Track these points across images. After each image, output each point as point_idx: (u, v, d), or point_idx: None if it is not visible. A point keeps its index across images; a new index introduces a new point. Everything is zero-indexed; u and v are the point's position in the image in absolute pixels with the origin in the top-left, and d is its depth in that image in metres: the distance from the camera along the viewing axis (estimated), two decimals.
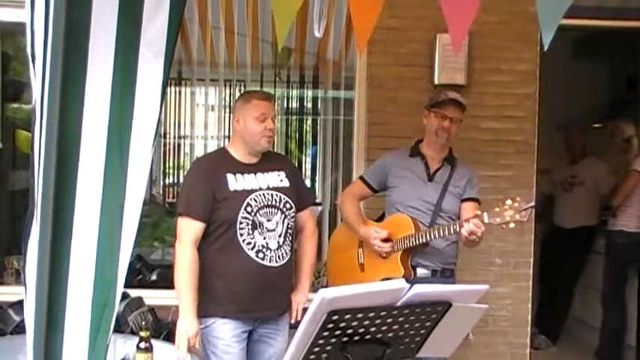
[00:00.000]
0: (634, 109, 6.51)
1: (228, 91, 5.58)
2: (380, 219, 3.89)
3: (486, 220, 3.26)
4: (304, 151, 5.94)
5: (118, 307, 1.72)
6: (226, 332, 3.18)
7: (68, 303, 1.65)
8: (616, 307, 5.64)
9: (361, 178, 3.91)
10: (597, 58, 7.11)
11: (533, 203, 3.24)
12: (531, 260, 4.76)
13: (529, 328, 4.84)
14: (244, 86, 5.47)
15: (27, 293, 1.68)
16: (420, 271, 3.59)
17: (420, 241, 3.47)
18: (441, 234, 3.43)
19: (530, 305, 4.80)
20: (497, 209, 3.25)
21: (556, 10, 1.71)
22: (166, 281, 4.70)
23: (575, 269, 6.36)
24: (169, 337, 3.43)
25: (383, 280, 3.45)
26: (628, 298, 5.63)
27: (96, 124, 1.66)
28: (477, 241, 3.44)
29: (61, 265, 1.63)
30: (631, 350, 5.62)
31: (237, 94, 5.49)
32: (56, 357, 1.63)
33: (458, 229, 3.36)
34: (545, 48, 1.85)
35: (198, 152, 5.62)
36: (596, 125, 7.05)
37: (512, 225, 3.23)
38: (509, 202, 3.23)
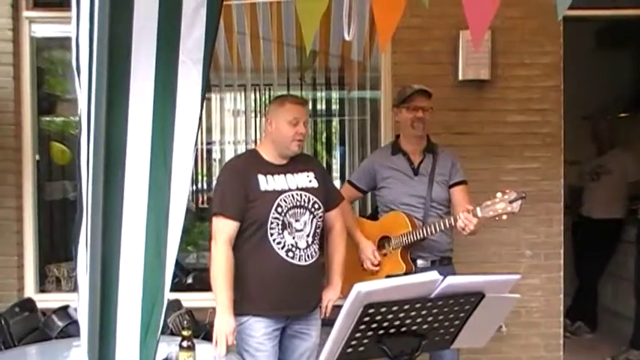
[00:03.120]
0: None
1: (255, 96, 5.65)
2: (373, 214, 4.00)
3: (479, 215, 3.35)
4: (332, 153, 6.00)
5: (165, 308, 1.79)
6: (258, 330, 3.26)
7: (119, 305, 1.73)
8: None
9: (350, 182, 4.02)
10: (621, 47, 7.08)
11: (523, 194, 3.29)
12: (561, 251, 4.77)
13: (562, 319, 4.86)
14: (271, 90, 5.54)
15: (80, 296, 1.76)
16: (420, 263, 3.72)
17: (418, 238, 3.60)
18: (437, 229, 3.53)
19: (562, 296, 4.81)
20: (488, 202, 3.33)
21: None
22: (202, 284, 4.79)
23: (601, 260, 6.37)
24: (207, 338, 3.50)
25: (386, 277, 3.56)
26: None
27: (140, 131, 1.74)
28: (474, 233, 3.50)
29: (111, 269, 1.71)
30: None
31: (265, 99, 5.60)
32: (109, 356, 1.71)
33: (453, 224, 3.46)
34: (559, 18, 1.91)
35: (228, 158, 5.69)
36: (622, 115, 7.02)
37: (504, 217, 3.31)
38: (499, 194, 3.31)
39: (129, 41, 1.73)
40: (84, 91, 1.74)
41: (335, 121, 5.83)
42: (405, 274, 3.57)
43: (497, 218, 3.32)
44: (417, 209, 3.71)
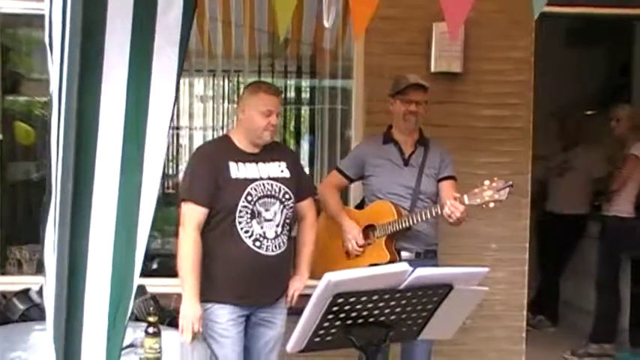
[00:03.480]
0: (627, 96, 6.58)
1: (225, 82, 5.59)
2: (360, 205, 3.96)
3: (467, 202, 3.35)
4: (301, 141, 5.96)
5: (134, 294, 1.76)
6: (223, 317, 3.24)
7: (87, 290, 1.69)
8: (610, 291, 5.71)
9: (337, 169, 3.99)
10: (591, 45, 7.16)
11: (510, 183, 3.32)
12: (527, 245, 4.82)
13: (525, 312, 4.91)
14: (240, 77, 5.48)
15: (46, 280, 1.72)
16: (404, 255, 3.69)
17: (403, 226, 3.58)
18: (423, 218, 3.52)
19: (525, 290, 4.86)
20: (476, 190, 3.34)
21: None
22: (167, 269, 4.74)
23: (564, 254, 6.47)
24: (172, 324, 3.47)
25: (369, 266, 3.55)
26: (621, 283, 5.70)
27: (113, 112, 1.69)
28: (461, 221, 3.50)
29: (79, 252, 1.66)
30: (624, 333, 5.72)
31: (234, 85, 5.54)
32: (75, 341, 1.66)
33: (440, 212, 3.44)
34: (535, 17, 1.91)
35: (196, 143, 5.64)
36: (589, 112, 7.11)
37: (492, 205, 3.32)
38: (487, 182, 3.32)
39: (103, 19, 1.68)
40: (56, 69, 1.69)
41: (305, 110, 5.78)
42: (389, 263, 3.55)
43: (484, 206, 3.32)
44: (404, 199, 3.69)
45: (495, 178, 3.31)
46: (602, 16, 5.10)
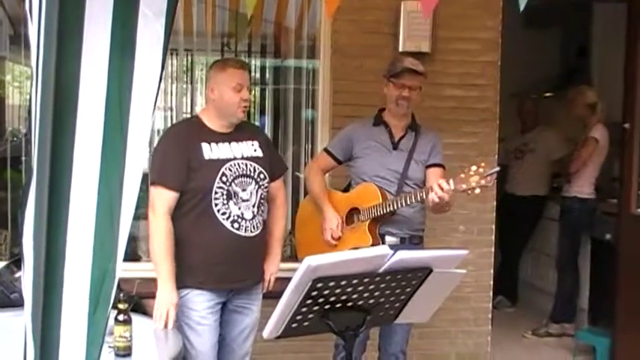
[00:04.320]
0: (584, 79, 6.63)
1: (187, 61, 5.43)
2: (346, 189, 3.90)
3: (452, 187, 3.28)
4: (265, 122, 5.84)
5: (116, 279, 1.66)
6: (200, 304, 3.16)
7: (66, 274, 1.58)
8: (570, 272, 5.80)
9: (326, 150, 3.91)
10: (548, 27, 7.20)
11: (497, 168, 3.28)
12: (493, 227, 4.83)
13: (491, 293, 4.93)
14: (193, 56, 5.34)
15: (24, 264, 1.61)
16: (389, 240, 3.62)
17: (388, 210, 3.50)
18: (408, 202, 3.45)
19: (492, 271, 4.88)
20: (462, 175, 3.27)
21: None
22: (129, 253, 4.59)
23: (524, 235, 6.53)
24: (135, 310, 3.37)
25: (352, 249, 3.49)
26: (581, 263, 5.78)
27: (94, 87, 1.57)
28: (446, 208, 3.47)
29: (57, 235, 1.56)
30: (583, 313, 5.81)
31: (189, 63, 5.39)
32: (54, 330, 1.57)
33: (425, 197, 3.38)
34: (522, 8, 1.87)
35: (158, 124, 5.49)
36: (547, 94, 7.16)
37: (477, 191, 3.26)
38: (474, 168, 3.26)
39: None
40: (34, 38, 1.56)
41: (270, 90, 5.66)
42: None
43: (469, 192, 3.26)
44: (390, 184, 3.62)
45: (482, 164, 3.25)
46: None
